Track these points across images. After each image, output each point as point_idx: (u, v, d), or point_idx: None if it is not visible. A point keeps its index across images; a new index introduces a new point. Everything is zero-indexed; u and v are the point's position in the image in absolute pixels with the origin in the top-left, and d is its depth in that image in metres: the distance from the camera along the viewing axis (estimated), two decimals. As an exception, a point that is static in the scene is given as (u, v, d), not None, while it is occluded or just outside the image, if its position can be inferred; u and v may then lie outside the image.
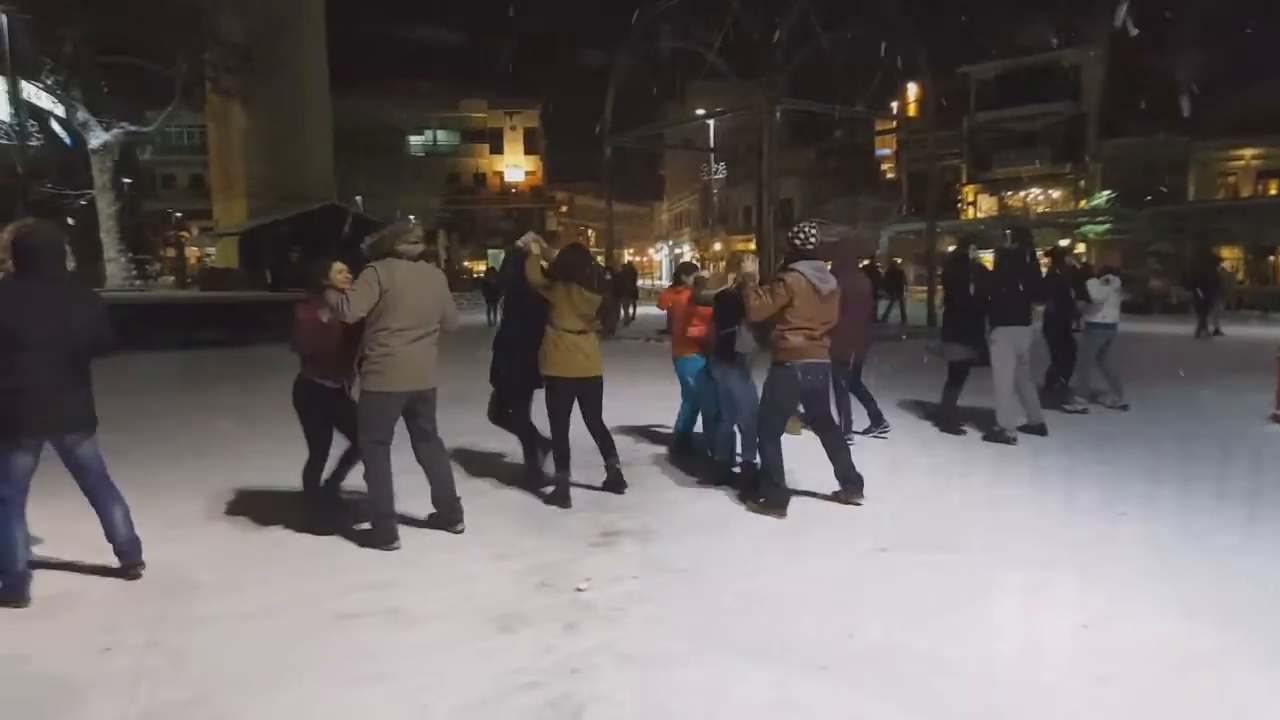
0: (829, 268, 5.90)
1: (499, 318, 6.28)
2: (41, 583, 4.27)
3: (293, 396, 5.22)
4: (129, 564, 4.43)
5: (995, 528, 5.29)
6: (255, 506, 5.73)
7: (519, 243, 5.88)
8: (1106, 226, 35.91)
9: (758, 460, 5.81)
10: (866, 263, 24.05)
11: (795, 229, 5.83)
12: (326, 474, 5.33)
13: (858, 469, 5.81)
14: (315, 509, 5.32)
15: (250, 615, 4.00)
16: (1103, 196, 36.57)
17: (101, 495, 4.38)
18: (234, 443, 7.85)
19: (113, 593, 4.28)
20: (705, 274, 7.03)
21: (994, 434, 7.62)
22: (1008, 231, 8.45)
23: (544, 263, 5.74)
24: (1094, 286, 9.16)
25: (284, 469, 6.32)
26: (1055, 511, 5.67)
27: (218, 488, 6.16)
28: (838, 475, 5.80)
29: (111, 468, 4.50)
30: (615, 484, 5.98)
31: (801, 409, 5.94)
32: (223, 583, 4.43)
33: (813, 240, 5.69)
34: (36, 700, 3.27)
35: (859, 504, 5.67)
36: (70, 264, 4.32)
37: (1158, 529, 5.24)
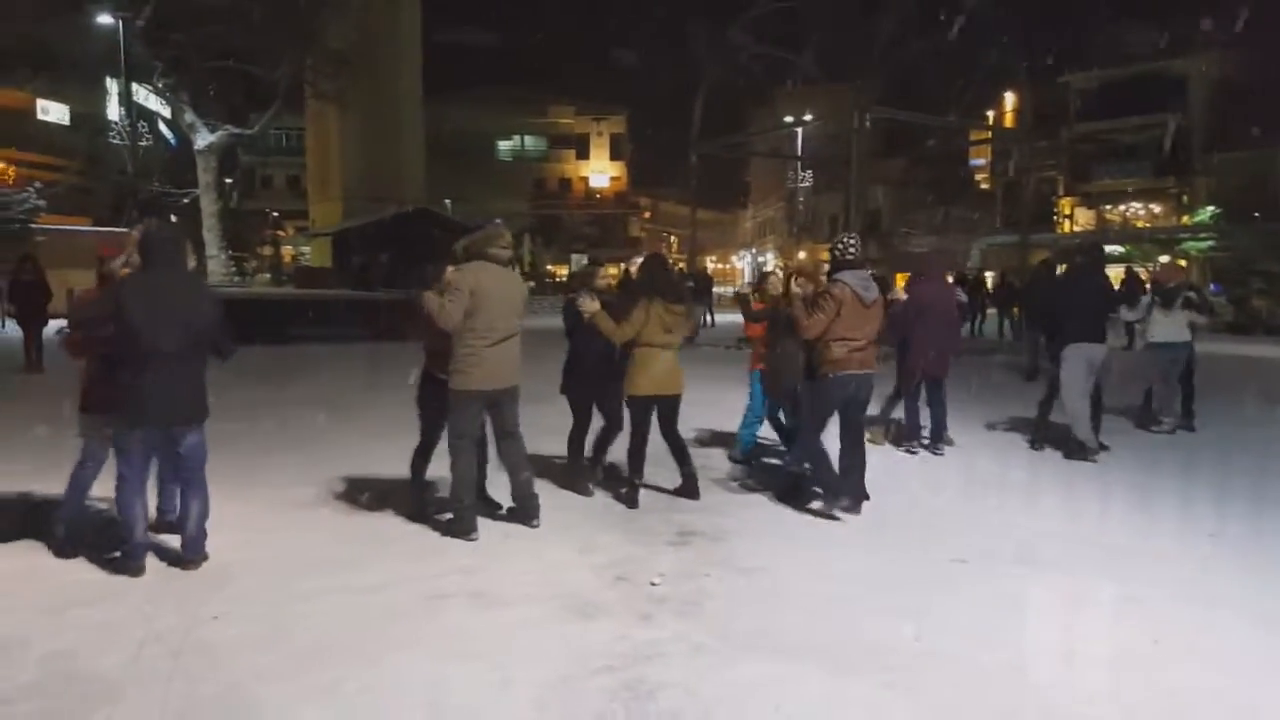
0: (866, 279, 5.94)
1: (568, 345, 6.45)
2: (164, 557, 4.68)
3: (418, 388, 5.59)
4: (191, 557, 4.59)
5: (1070, 543, 5.26)
6: (351, 495, 6.08)
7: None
8: (1209, 243, 34.45)
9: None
10: (974, 275, 23.63)
11: (836, 239, 6.00)
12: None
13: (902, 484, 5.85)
14: (418, 495, 5.64)
15: (348, 593, 4.29)
16: (1207, 212, 35.07)
17: (192, 486, 4.62)
18: (331, 434, 8.25)
19: (222, 568, 4.62)
20: (772, 276, 7.12)
21: (1074, 452, 7.53)
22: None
23: (599, 301, 5.85)
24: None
25: (378, 459, 6.72)
26: (1137, 529, 5.61)
27: (317, 476, 6.52)
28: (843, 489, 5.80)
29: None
30: (690, 491, 6.10)
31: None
32: (323, 563, 4.73)
33: (852, 250, 5.83)
34: (164, 653, 3.59)
35: (853, 514, 5.67)
36: (191, 262, 4.69)
37: (1237, 547, 5.15)
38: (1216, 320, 8.85)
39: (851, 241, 5.90)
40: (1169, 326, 8.73)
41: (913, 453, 7.71)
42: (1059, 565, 4.86)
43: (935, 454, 7.70)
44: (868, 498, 5.85)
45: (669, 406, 5.96)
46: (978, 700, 3.33)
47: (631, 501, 5.90)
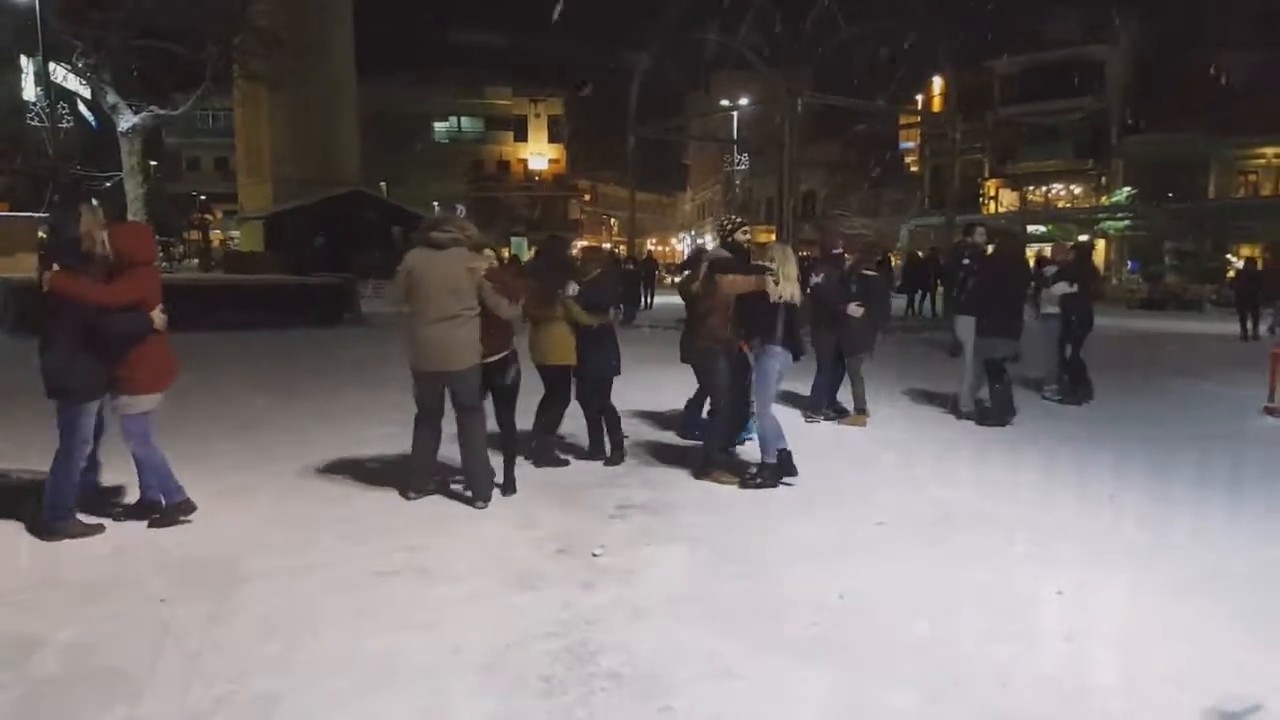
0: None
1: None
2: (114, 532, 4.75)
3: None
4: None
5: (985, 506, 5.62)
6: (291, 479, 6.13)
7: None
8: (1125, 223, 35.88)
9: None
10: (925, 254, 24.12)
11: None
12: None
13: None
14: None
15: (296, 572, 4.39)
16: (1123, 193, 36.51)
17: (56, 454, 4.83)
18: (269, 419, 8.22)
19: (163, 552, 4.68)
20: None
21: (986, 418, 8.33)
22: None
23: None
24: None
25: (318, 444, 6.83)
26: (1055, 496, 6.00)
27: (257, 461, 6.55)
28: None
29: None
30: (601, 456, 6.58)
31: None
32: (266, 545, 4.79)
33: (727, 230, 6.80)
34: (120, 630, 3.67)
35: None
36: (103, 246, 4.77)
37: (1140, 508, 5.56)
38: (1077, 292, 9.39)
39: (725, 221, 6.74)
40: (1048, 300, 9.58)
41: (812, 421, 8.31)
42: (975, 528, 5.19)
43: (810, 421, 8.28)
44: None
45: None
46: (900, 653, 3.61)
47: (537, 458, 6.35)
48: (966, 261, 8.83)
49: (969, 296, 8.33)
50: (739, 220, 6.71)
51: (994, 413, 8.17)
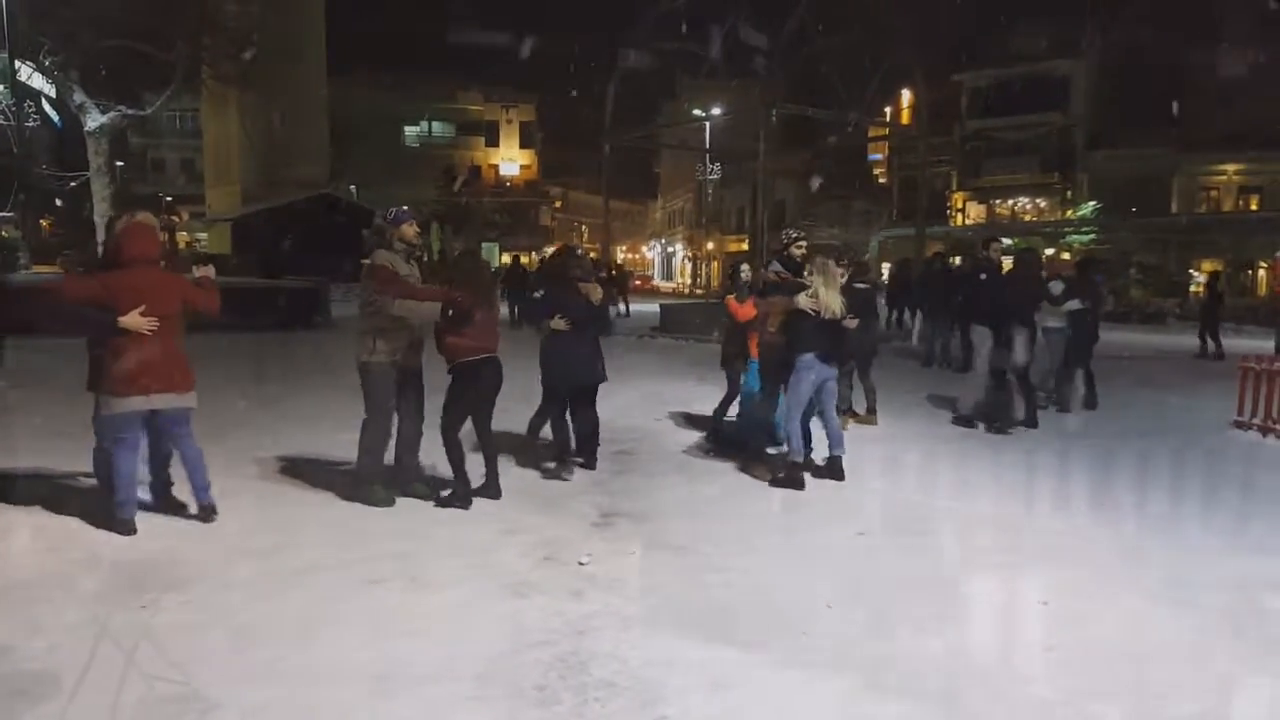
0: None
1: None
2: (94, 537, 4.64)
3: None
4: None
5: (979, 518, 5.70)
6: (272, 483, 6.09)
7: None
8: (1091, 237, 36.52)
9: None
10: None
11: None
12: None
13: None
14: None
15: (282, 578, 4.35)
16: (1088, 207, 37.18)
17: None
18: (247, 423, 8.10)
19: (147, 558, 4.61)
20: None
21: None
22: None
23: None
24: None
25: (297, 447, 6.77)
26: (1025, 504, 6.10)
27: (236, 466, 6.42)
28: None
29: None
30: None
31: None
32: (250, 550, 4.75)
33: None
34: (99, 636, 3.61)
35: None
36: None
37: (1117, 518, 5.67)
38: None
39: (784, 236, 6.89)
40: (1049, 313, 9.56)
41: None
42: (961, 536, 5.26)
43: None
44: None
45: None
46: (891, 662, 3.64)
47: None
48: (984, 276, 9.01)
49: (987, 308, 8.53)
50: (795, 235, 6.85)
51: (1002, 418, 8.41)
